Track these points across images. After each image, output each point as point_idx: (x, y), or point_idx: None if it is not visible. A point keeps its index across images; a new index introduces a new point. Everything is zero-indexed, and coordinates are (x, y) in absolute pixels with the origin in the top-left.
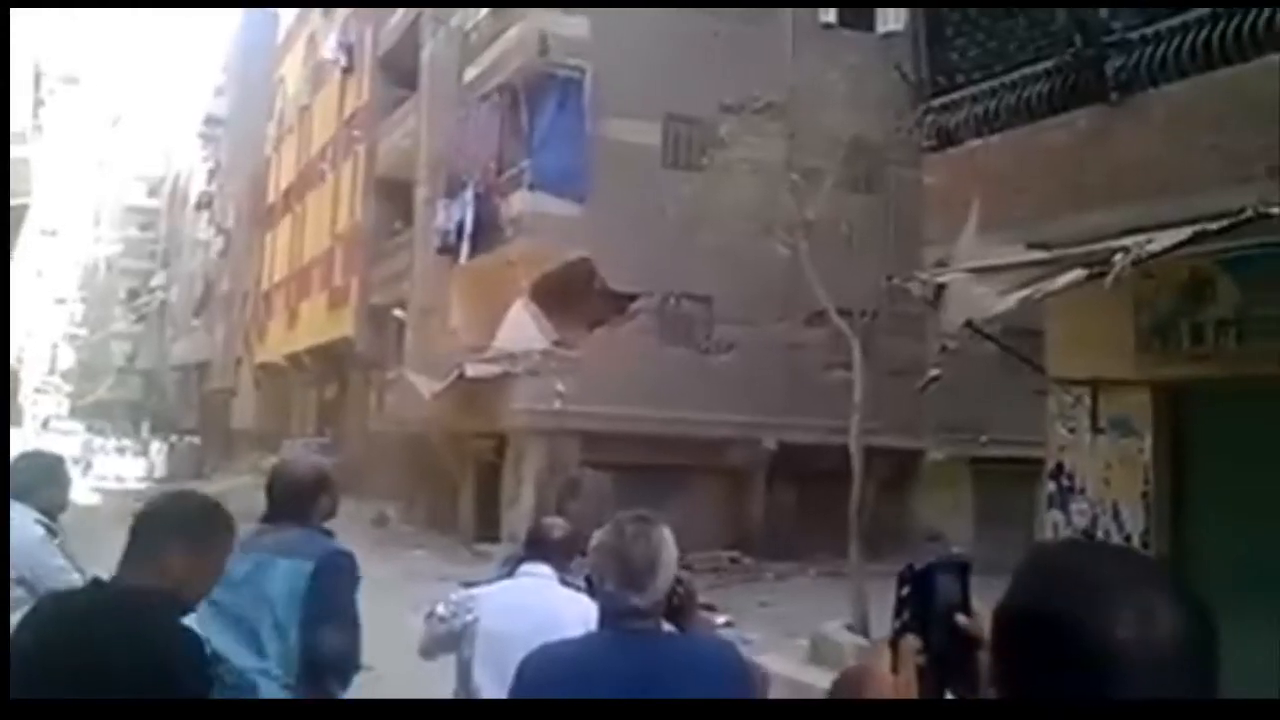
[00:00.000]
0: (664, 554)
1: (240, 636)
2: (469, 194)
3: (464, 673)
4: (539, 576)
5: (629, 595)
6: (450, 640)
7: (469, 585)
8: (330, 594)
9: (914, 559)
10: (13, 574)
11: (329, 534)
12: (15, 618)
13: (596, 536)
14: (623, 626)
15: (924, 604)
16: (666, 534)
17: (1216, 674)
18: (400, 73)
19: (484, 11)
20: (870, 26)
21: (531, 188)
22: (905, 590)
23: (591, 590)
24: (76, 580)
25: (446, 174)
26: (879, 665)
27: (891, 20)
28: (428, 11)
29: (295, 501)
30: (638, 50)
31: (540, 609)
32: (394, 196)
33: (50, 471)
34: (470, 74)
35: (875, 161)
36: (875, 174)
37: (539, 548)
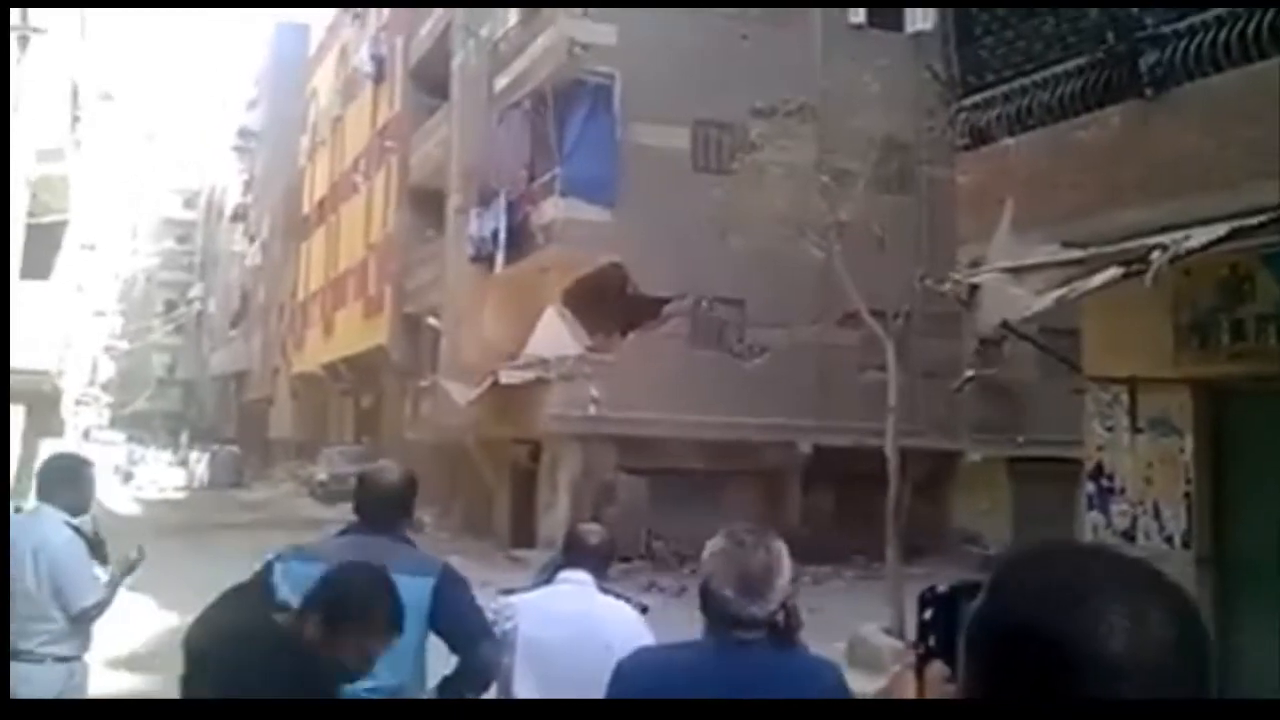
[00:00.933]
0: (782, 565)
1: None
2: (501, 202)
3: (504, 680)
4: (577, 583)
5: (746, 604)
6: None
7: (508, 592)
8: (465, 607)
9: (951, 561)
10: (40, 571)
11: (412, 544)
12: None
13: (712, 544)
14: (733, 636)
15: (950, 628)
16: (783, 547)
17: (1208, 678)
18: (432, 83)
19: (513, 21)
20: (899, 26)
21: (563, 194)
22: (928, 614)
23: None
24: (101, 582)
25: (478, 182)
26: (904, 694)
27: (920, 19)
28: (458, 21)
29: (389, 511)
30: (666, 55)
31: (580, 616)
32: (426, 205)
33: (72, 473)
34: (501, 83)
35: (907, 161)
36: (907, 174)
37: (576, 554)
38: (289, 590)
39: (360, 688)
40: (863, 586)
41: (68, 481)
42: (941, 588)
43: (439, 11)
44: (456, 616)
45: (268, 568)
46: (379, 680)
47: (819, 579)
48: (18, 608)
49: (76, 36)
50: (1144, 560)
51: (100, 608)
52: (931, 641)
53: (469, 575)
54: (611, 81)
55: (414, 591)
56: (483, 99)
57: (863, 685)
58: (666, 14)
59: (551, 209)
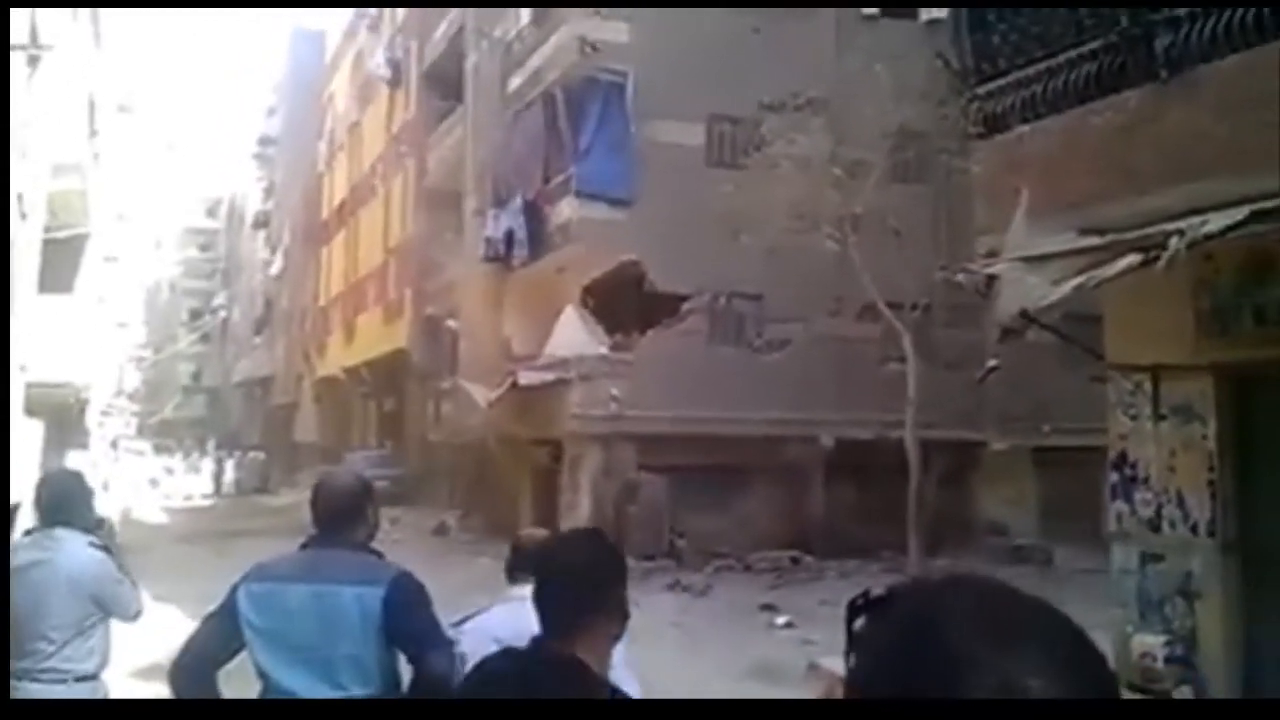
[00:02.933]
0: None
1: (306, 667)
2: (518, 202)
3: None
4: (515, 600)
5: None
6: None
7: (462, 621)
8: (414, 617)
9: (976, 552)
10: (79, 595)
11: (378, 553)
12: (85, 640)
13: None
14: None
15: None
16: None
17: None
18: (446, 85)
19: (525, 21)
20: (913, 14)
21: (578, 194)
22: (860, 622)
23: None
24: (134, 597)
25: (493, 184)
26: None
27: (934, 8)
28: (471, 23)
29: (341, 520)
30: (678, 51)
31: (520, 631)
32: (444, 207)
33: (74, 491)
34: (514, 83)
35: (923, 151)
36: (923, 163)
37: (519, 567)
38: (254, 613)
39: (330, 699)
40: (889, 579)
41: (73, 499)
42: (875, 592)
43: (452, 14)
44: (408, 625)
45: (233, 591)
46: (348, 691)
47: (844, 573)
48: (55, 635)
49: (91, 50)
50: (1045, 611)
51: (140, 613)
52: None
53: (496, 578)
54: (624, 79)
55: (366, 602)
56: (496, 100)
57: None
58: (678, 10)
59: (567, 209)
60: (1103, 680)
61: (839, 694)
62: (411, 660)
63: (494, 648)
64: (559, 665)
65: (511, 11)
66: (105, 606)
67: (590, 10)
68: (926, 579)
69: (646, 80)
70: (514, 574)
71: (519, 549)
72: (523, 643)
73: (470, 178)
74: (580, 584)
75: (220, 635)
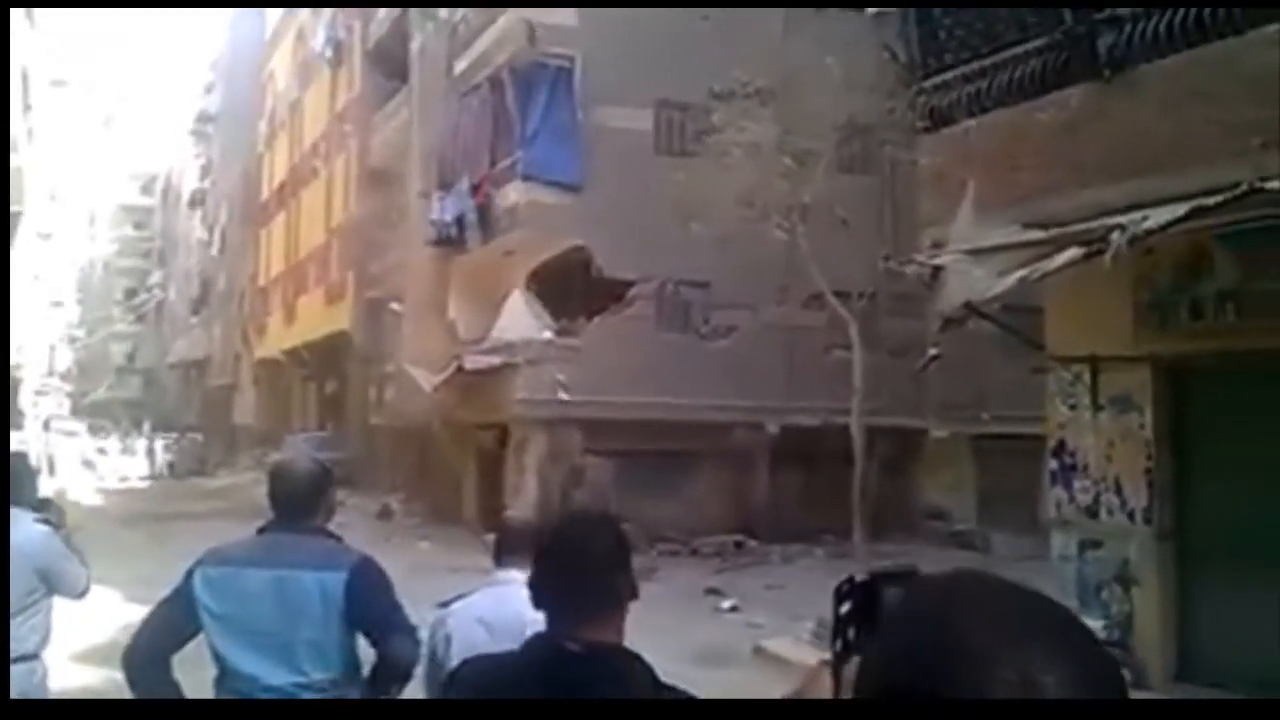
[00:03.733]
0: None
1: (265, 652)
2: (464, 186)
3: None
4: (508, 583)
5: None
6: (435, 664)
7: (444, 605)
8: (377, 601)
9: (918, 537)
10: (30, 570)
11: (336, 538)
12: (27, 618)
13: None
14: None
15: (870, 622)
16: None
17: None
18: (391, 65)
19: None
20: (861, 5)
21: (525, 178)
22: (846, 606)
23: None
24: (83, 574)
25: (439, 167)
26: (819, 693)
27: None
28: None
29: (300, 504)
30: (627, 37)
31: (512, 617)
32: (388, 189)
33: (18, 471)
34: (460, 65)
35: (869, 142)
36: (870, 155)
37: (506, 549)
38: (211, 598)
39: (290, 683)
40: (833, 564)
41: (19, 479)
42: (860, 576)
43: None
44: (370, 610)
45: (188, 576)
46: (309, 676)
47: (788, 557)
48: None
49: (25, 24)
50: (1047, 604)
51: (86, 591)
52: (851, 636)
53: (438, 561)
54: (572, 64)
55: (327, 586)
56: (442, 81)
57: None
58: None
59: (514, 193)
60: (1109, 673)
61: (825, 681)
62: (375, 644)
63: (479, 630)
64: (608, 654)
65: None
66: (52, 582)
67: None
68: (933, 574)
69: (594, 65)
70: (502, 557)
71: (508, 532)
72: (509, 625)
73: (415, 160)
74: (605, 568)
75: (175, 620)
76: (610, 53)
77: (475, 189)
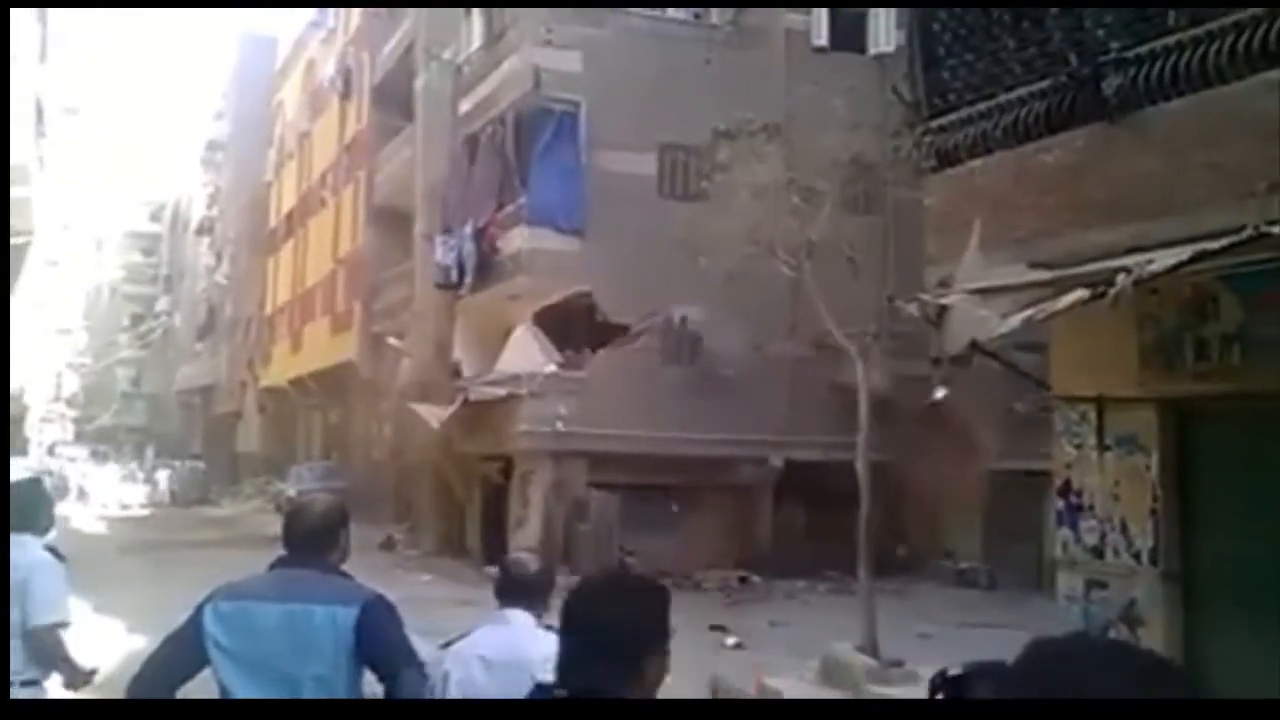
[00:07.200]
0: None
1: (271, 687)
2: (467, 230)
3: None
4: (510, 623)
5: None
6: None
7: (447, 644)
8: (387, 639)
9: (925, 577)
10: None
11: (348, 576)
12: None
13: None
14: None
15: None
16: None
17: None
18: (395, 102)
19: (477, 45)
20: (862, 48)
21: (530, 224)
22: (940, 696)
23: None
24: (67, 603)
25: (443, 209)
26: None
27: (883, 42)
28: (420, 43)
29: (313, 544)
30: (631, 82)
31: (512, 664)
32: (393, 225)
33: (38, 497)
34: (465, 107)
35: (873, 184)
36: (874, 195)
37: (510, 588)
38: (221, 632)
39: None
40: (837, 600)
41: (38, 506)
42: (953, 670)
43: (401, 30)
44: (380, 647)
45: (199, 610)
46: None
47: (791, 593)
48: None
49: (38, 51)
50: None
51: (62, 627)
52: None
53: (442, 593)
54: (577, 109)
55: (339, 621)
56: (447, 121)
57: None
58: (631, 40)
59: (519, 238)
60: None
61: None
62: (383, 680)
63: (479, 668)
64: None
65: (463, 33)
66: (25, 607)
67: (543, 38)
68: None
69: (598, 109)
70: (505, 596)
71: (511, 572)
72: (509, 664)
73: (419, 198)
74: (646, 628)
75: (182, 654)
76: (614, 97)
77: (480, 232)
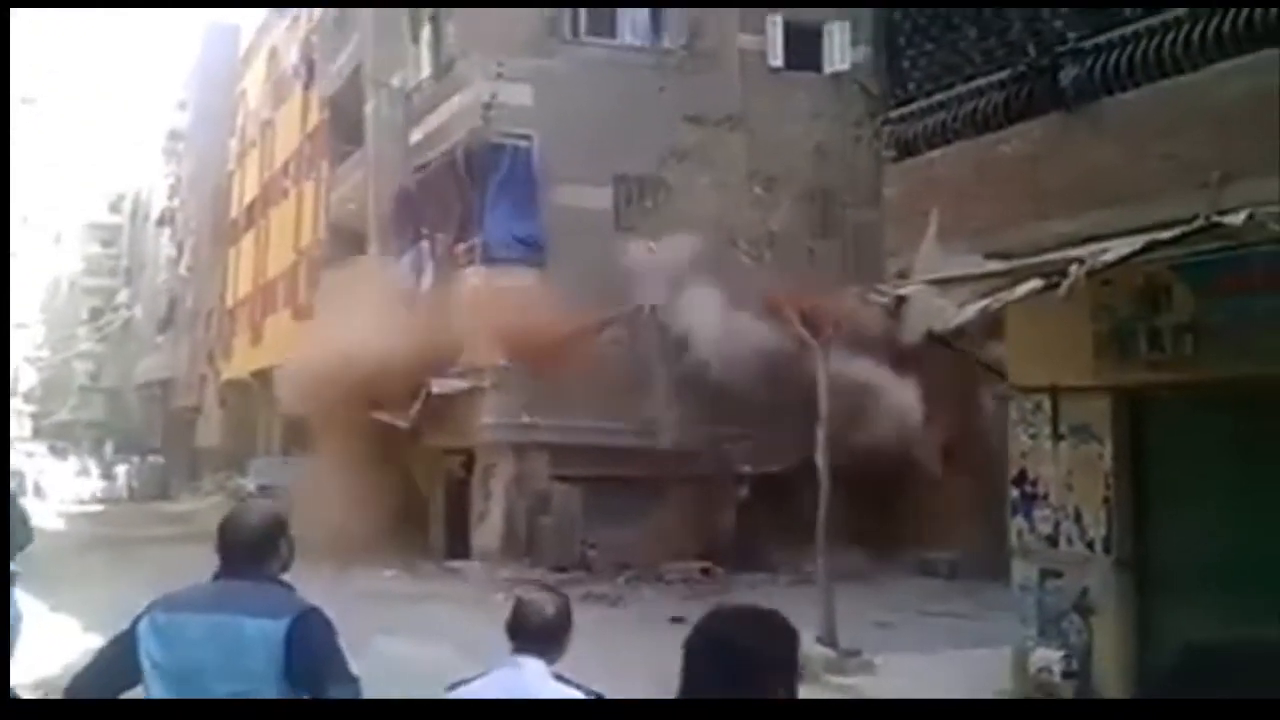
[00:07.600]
0: None
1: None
2: (427, 265)
3: None
4: (520, 670)
5: None
6: None
7: (452, 686)
8: (317, 651)
9: (887, 564)
10: None
11: (288, 587)
12: None
13: None
14: None
15: None
16: None
17: None
18: (346, 125)
19: (425, 73)
20: (818, 67)
21: (485, 263)
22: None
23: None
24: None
25: (397, 244)
26: None
27: (838, 60)
28: (367, 70)
29: (250, 554)
30: (584, 113)
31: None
32: (350, 242)
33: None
34: (416, 136)
35: (830, 206)
36: (831, 221)
37: (520, 634)
38: (156, 646)
39: None
40: (798, 592)
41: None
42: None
43: (346, 52)
44: (309, 660)
45: (135, 622)
46: None
47: (754, 585)
48: None
49: None
50: None
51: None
52: None
53: (404, 589)
54: (530, 143)
55: (268, 635)
56: (399, 148)
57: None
58: (583, 70)
59: (475, 277)
60: None
61: None
62: (311, 694)
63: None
64: None
65: (409, 59)
66: None
67: (493, 71)
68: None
69: (551, 143)
70: (517, 639)
71: (523, 616)
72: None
73: (371, 221)
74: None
75: (119, 665)
76: (567, 129)
77: (438, 264)
